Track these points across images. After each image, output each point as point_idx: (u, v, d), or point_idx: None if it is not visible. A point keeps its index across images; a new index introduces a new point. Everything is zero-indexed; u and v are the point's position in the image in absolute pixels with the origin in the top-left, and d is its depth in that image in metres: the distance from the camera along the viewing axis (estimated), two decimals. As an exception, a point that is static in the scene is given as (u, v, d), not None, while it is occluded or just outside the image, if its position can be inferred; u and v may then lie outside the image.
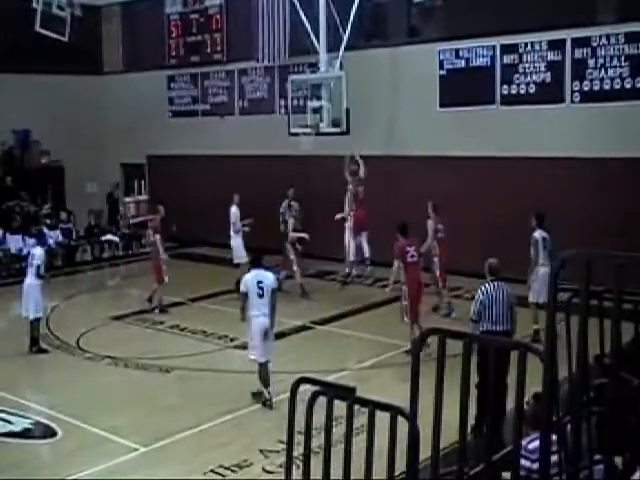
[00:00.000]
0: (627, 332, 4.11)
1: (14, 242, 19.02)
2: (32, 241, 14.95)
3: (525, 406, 4.64)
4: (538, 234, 12.16)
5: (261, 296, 9.65)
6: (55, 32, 19.05)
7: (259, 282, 9.68)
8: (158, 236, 15.00)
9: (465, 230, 16.29)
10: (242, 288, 9.76)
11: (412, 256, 11.73)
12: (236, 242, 16.05)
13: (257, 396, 9.86)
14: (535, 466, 5.21)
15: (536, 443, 5.24)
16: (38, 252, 12.67)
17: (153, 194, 22.46)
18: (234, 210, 16.12)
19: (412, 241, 12.01)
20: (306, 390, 3.79)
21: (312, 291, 15.68)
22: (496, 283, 8.89)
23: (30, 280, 12.45)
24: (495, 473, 3.53)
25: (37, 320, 12.43)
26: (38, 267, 12.42)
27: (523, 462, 4.86)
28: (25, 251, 18.70)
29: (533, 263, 12.13)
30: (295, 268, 15.61)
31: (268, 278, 9.82)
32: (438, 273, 13.75)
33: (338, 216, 15.77)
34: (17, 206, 20.16)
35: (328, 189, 17.52)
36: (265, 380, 9.80)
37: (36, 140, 22.35)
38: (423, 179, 17.12)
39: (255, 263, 10.15)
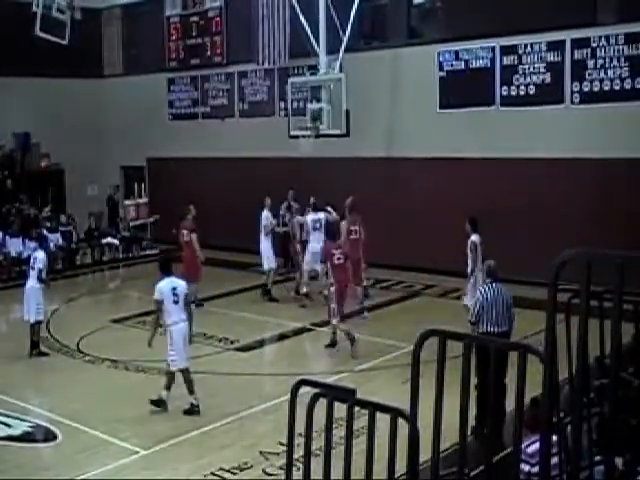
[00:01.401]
0: (627, 333, 4.10)
1: (14, 245, 19.01)
2: (34, 245, 14.94)
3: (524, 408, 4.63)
4: (477, 238, 11.84)
5: (176, 302, 9.68)
6: (55, 35, 19.07)
7: (173, 288, 9.68)
8: (194, 235, 14.74)
9: (465, 231, 16.29)
10: (157, 296, 9.75)
11: (338, 258, 11.98)
12: (265, 247, 15.76)
13: (160, 404, 9.68)
14: (535, 470, 5.21)
15: (535, 446, 5.24)
16: (41, 256, 12.64)
17: (153, 197, 22.49)
18: (265, 214, 15.88)
19: (339, 244, 12.53)
20: (306, 392, 3.78)
21: (311, 293, 15.65)
22: (495, 285, 8.89)
23: (32, 284, 12.43)
24: (495, 475, 3.52)
25: (38, 323, 12.41)
26: (40, 271, 12.41)
27: (522, 466, 4.85)
28: (25, 254, 18.73)
29: (471, 268, 11.74)
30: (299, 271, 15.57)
31: (180, 284, 9.82)
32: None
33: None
34: (17, 209, 20.15)
35: (328, 191, 17.51)
36: (190, 384, 9.71)
37: (36, 143, 22.37)
38: (423, 180, 17.13)
39: (165, 269, 10.06)
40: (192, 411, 9.65)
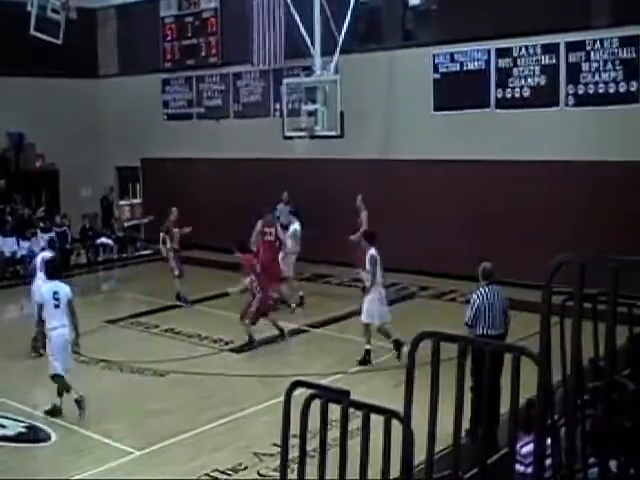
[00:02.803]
0: (621, 335, 4.12)
1: (8, 245, 18.97)
2: (43, 243, 15.02)
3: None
4: (375, 252, 11.39)
5: (57, 307, 9.66)
6: (49, 35, 19.03)
7: (55, 293, 9.66)
8: (163, 235, 15.69)
9: (459, 233, 16.34)
10: (37, 299, 9.78)
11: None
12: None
13: (54, 413, 9.61)
14: (529, 470, 5.22)
15: (529, 447, 5.25)
16: (49, 256, 12.57)
17: (148, 197, 22.48)
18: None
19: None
20: (301, 393, 3.79)
21: (308, 293, 15.66)
22: (491, 287, 8.89)
23: (41, 282, 12.13)
24: (489, 476, 3.53)
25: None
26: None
27: (517, 467, 4.86)
28: (19, 254, 18.70)
29: (370, 282, 11.40)
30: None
31: (63, 289, 9.78)
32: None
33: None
34: (11, 209, 20.11)
35: (323, 192, 17.55)
36: (66, 387, 9.63)
37: (30, 143, 22.32)
38: (417, 182, 17.16)
39: (53, 274, 10.10)
40: (53, 412, 9.59)
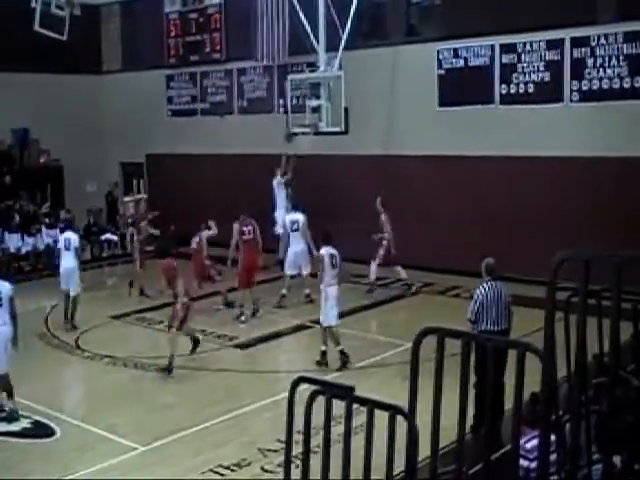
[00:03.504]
0: (625, 331, 4.11)
1: (13, 241, 19.00)
2: (57, 230, 15.49)
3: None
4: (325, 251, 11.31)
5: (0, 306, 9.60)
6: (54, 31, 19.03)
7: None
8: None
9: (463, 229, 16.33)
10: None
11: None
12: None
13: (13, 415, 9.49)
14: (533, 465, 5.22)
15: (534, 442, 5.25)
16: (74, 236, 14.13)
17: (152, 193, 22.48)
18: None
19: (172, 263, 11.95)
20: (305, 389, 3.80)
21: (313, 288, 15.63)
22: (494, 283, 8.89)
23: (71, 263, 13.81)
24: (494, 472, 3.54)
25: (78, 296, 13.83)
26: (76, 249, 13.91)
27: (521, 462, 4.86)
28: (24, 250, 18.72)
29: (320, 283, 11.41)
30: None
31: (5, 286, 9.73)
32: (239, 273, 14.03)
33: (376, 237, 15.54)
34: (16, 205, 20.14)
35: (326, 187, 17.53)
36: (8, 391, 9.53)
37: (35, 139, 22.33)
38: (421, 178, 17.14)
39: None
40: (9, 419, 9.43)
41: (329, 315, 11.17)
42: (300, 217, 15.15)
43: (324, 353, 11.23)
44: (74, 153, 21.72)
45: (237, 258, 14.20)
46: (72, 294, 13.77)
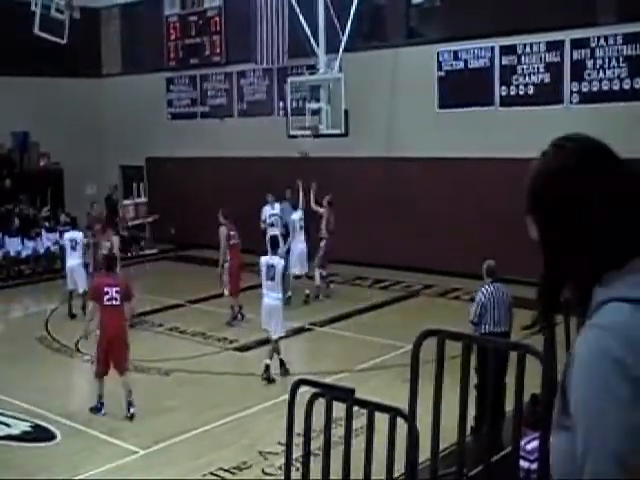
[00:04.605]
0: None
1: (13, 245, 19.00)
2: (61, 230, 15.64)
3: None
4: (264, 260, 11.17)
5: None
6: (54, 35, 19.05)
7: None
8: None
9: (463, 231, 16.32)
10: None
11: (111, 299, 9.63)
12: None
13: None
14: (534, 466, 5.21)
15: (534, 443, 5.24)
16: (80, 235, 14.58)
17: (152, 196, 22.49)
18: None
19: (116, 279, 10.12)
20: (305, 392, 3.79)
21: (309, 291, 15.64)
22: (495, 285, 8.89)
23: (78, 260, 14.21)
24: (494, 474, 3.52)
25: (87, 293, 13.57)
26: (83, 247, 14.46)
27: (522, 463, 4.85)
28: (24, 254, 18.72)
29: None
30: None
31: None
32: (227, 279, 13.89)
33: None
34: (16, 209, 20.13)
35: (327, 190, 17.51)
36: None
37: (35, 142, 22.34)
38: (421, 180, 17.13)
39: None
40: None
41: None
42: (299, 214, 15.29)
43: (267, 367, 10.70)
44: (74, 156, 21.71)
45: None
46: (81, 290, 14.02)
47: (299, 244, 15.13)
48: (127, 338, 9.91)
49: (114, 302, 9.62)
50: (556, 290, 1.69)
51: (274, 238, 12.44)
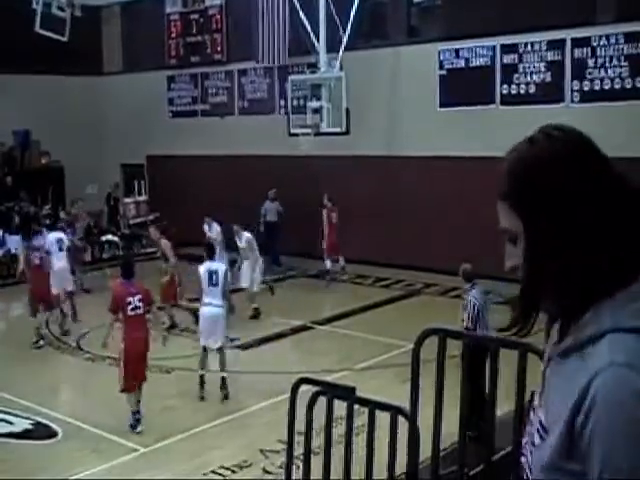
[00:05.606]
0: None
1: (13, 243, 18.98)
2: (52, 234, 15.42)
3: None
4: (204, 267, 10.65)
5: None
6: (55, 32, 19.05)
7: None
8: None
9: (465, 231, 16.31)
10: None
11: (135, 308, 9.23)
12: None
13: None
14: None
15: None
16: (64, 236, 14.39)
17: (153, 194, 22.49)
18: None
19: (136, 287, 9.48)
20: (306, 390, 3.79)
21: (313, 290, 15.68)
22: (479, 288, 8.92)
23: (65, 263, 13.97)
24: (494, 474, 3.53)
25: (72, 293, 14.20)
26: (69, 249, 14.27)
27: (523, 459, 4.85)
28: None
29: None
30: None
31: None
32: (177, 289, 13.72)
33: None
34: (17, 206, 20.14)
35: (328, 189, 17.52)
36: None
37: (36, 140, 22.34)
38: (422, 179, 17.13)
39: None
40: None
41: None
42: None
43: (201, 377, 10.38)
44: (75, 154, 21.72)
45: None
46: (69, 290, 14.02)
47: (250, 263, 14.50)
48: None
49: (138, 311, 9.20)
50: (537, 289, 1.56)
51: (211, 245, 11.67)
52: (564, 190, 1.50)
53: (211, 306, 10.32)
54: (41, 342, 12.66)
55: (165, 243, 13.86)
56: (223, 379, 10.27)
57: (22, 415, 9.69)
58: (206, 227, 16.01)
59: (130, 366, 9.07)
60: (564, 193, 1.50)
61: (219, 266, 10.66)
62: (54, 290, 13.64)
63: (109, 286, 16.80)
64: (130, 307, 9.11)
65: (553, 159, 1.55)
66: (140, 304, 9.21)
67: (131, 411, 9.18)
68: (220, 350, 10.39)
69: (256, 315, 14.07)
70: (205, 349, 10.36)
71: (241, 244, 14.31)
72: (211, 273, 10.37)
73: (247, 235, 14.30)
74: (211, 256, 10.84)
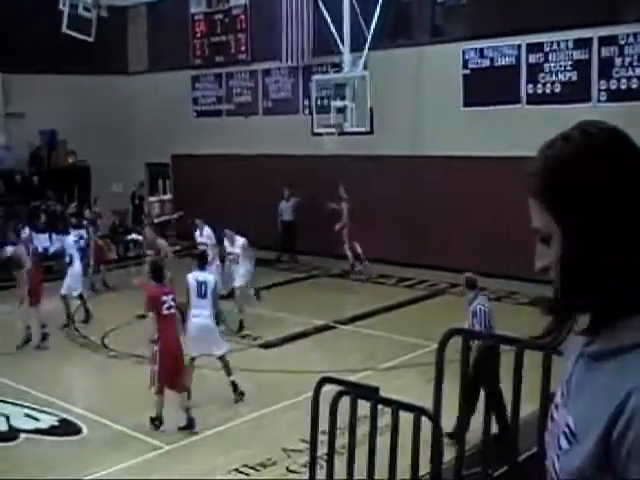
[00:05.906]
0: None
1: (40, 241, 19.17)
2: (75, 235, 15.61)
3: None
4: (192, 276, 10.36)
5: None
6: (81, 33, 19.23)
7: None
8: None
9: (490, 231, 16.22)
10: None
11: (169, 307, 9.27)
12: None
13: None
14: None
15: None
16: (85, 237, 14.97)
17: (177, 193, 22.62)
18: None
19: (168, 287, 9.70)
20: (330, 390, 3.80)
21: (337, 289, 15.67)
22: (483, 294, 8.92)
23: (78, 267, 14.10)
24: (520, 475, 3.51)
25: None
26: (82, 249, 14.82)
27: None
28: (52, 249, 18.92)
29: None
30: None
31: None
32: None
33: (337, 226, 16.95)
34: (44, 205, 20.35)
35: (352, 189, 17.51)
36: None
37: (62, 140, 22.57)
38: (447, 179, 17.06)
39: None
40: None
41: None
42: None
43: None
44: (101, 154, 21.91)
45: None
46: (78, 293, 14.07)
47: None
48: None
49: (172, 310, 9.24)
50: (573, 289, 1.50)
51: (203, 254, 11.49)
52: (600, 187, 1.47)
53: (201, 317, 10.01)
54: (28, 344, 12.48)
55: (161, 243, 13.93)
56: (233, 383, 10.09)
57: (48, 411, 9.79)
58: (197, 232, 15.25)
59: (167, 365, 9.05)
60: (600, 190, 1.47)
61: (207, 277, 10.33)
62: (63, 291, 13.79)
63: (134, 284, 16.99)
64: (165, 306, 9.15)
65: (590, 156, 1.53)
66: (173, 303, 9.29)
67: (156, 414, 9.14)
68: (222, 358, 10.13)
69: (240, 328, 13.36)
70: (193, 359, 9.90)
71: (234, 249, 13.87)
72: (200, 284, 10.11)
73: (241, 240, 13.82)
74: (202, 266, 10.61)
